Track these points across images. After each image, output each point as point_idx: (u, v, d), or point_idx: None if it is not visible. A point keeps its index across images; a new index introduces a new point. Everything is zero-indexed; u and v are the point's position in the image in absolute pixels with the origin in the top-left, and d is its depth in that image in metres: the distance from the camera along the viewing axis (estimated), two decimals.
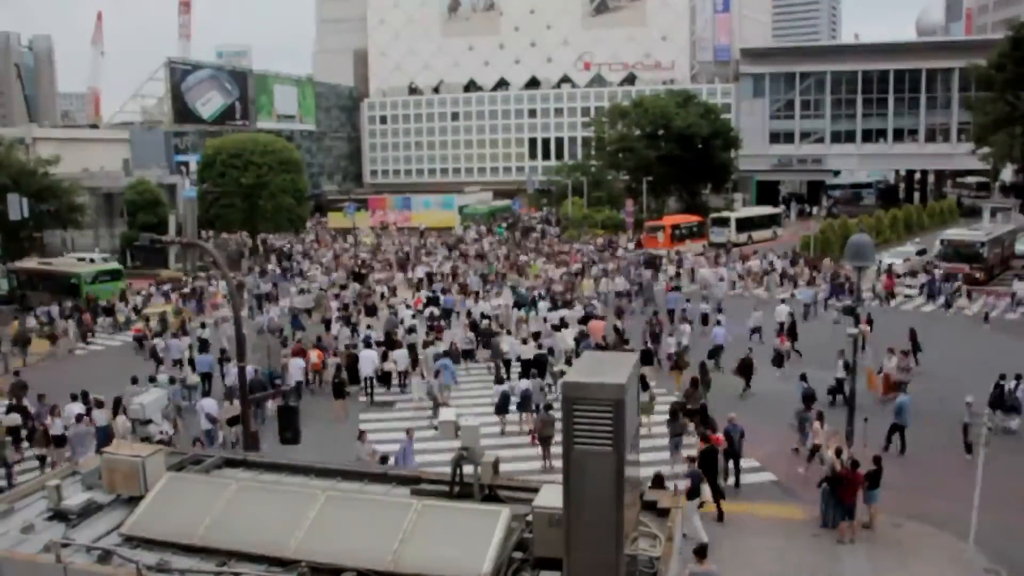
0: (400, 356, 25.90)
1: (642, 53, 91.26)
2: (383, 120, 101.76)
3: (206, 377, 25.11)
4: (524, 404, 21.28)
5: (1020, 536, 15.16)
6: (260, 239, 61.91)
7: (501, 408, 21.45)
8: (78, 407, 20.97)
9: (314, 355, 26.21)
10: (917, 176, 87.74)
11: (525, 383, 21.87)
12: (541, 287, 38.42)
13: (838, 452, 16.07)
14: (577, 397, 5.83)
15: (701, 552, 11.76)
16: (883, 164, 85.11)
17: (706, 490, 15.83)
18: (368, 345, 26.81)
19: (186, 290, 41.89)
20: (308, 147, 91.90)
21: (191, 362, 26.26)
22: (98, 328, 35.98)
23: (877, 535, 15.32)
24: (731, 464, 17.80)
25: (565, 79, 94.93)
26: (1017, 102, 48.56)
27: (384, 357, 25.93)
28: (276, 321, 32.54)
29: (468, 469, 7.77)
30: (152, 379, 23.47)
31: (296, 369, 24.90)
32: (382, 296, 38.61)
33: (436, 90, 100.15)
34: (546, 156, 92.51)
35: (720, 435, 17.50)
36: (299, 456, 11.54)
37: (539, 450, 19.46)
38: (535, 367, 23.54)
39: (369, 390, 24.86)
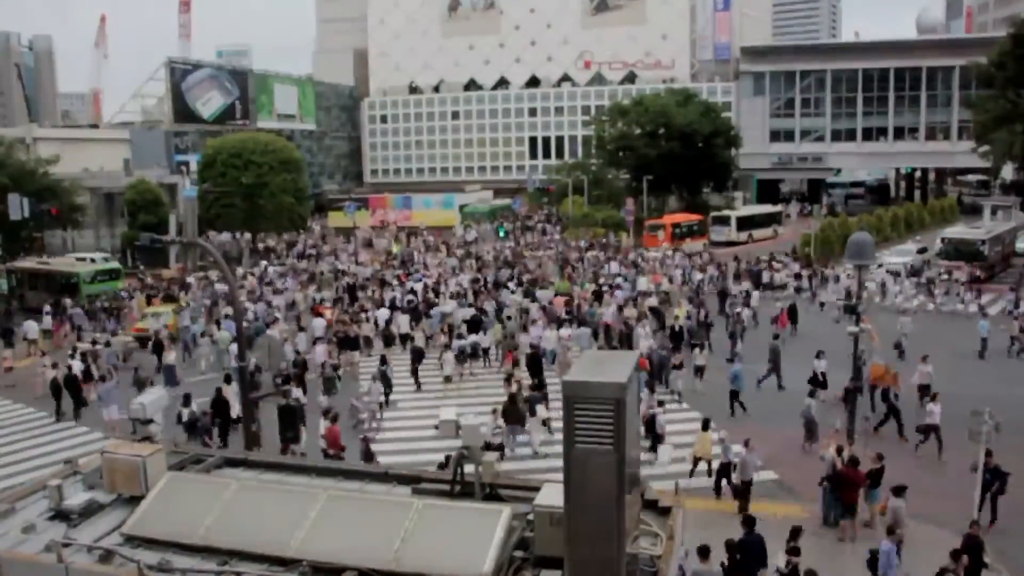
0: (403, 321, 31.16)
1: (642, 52, 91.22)
2: (383, 119, 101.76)
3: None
4: (475, 352, 27.96)
5: (1020, 536, 15.17)
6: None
7: (460, 358, 27.10)
8: (78, 363, 26.03)
9: (328, 312, 32.50)
10: (918, 174, 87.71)
11: (474, 337, 28.48)
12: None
13: (839, 450, 16.07)
14: (578, 396, 5.83)
15: (704, 552, 11.80)
16: (884, 162, 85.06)
17: None
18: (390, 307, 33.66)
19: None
20: (308, 147, 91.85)
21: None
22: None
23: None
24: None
25: (565, 78, 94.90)
26: (1018, 100, 48.46)
27: (389, 321, 31.37)
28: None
29: (469, 468, 7.77)
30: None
31: (319, 327, 30.29)
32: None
33: (436, 89, 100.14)
34: (546, 155, 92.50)
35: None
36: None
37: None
38: (473, 325, 29.80)
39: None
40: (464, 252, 52.96)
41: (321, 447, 18.55)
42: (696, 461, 18.08)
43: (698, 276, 41.26)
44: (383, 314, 32.21)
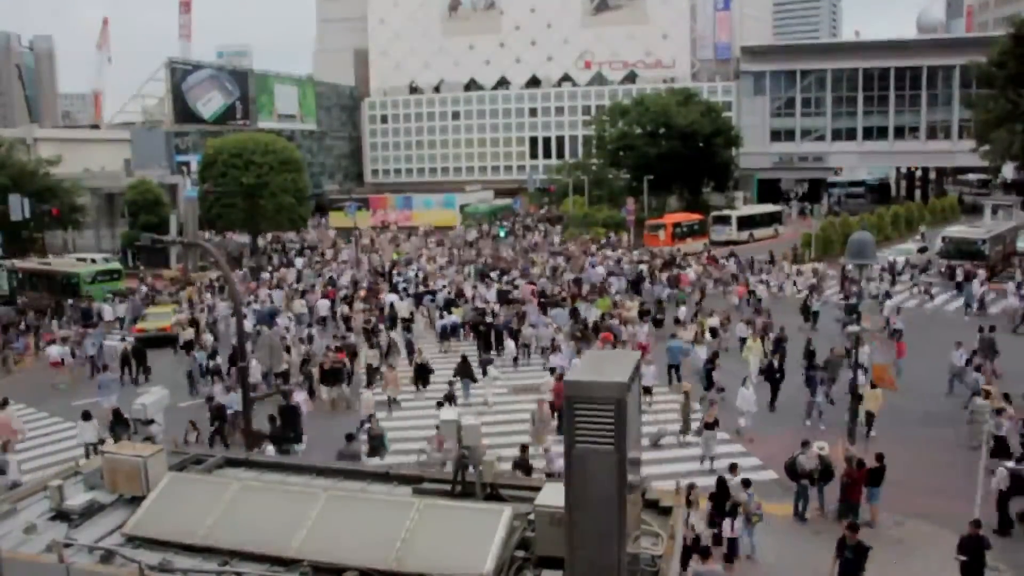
0: (403, 306, 33.72)
1: (643, 51, 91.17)
2: (384, 119, 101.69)
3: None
4: (455, 330, 31.46)
5: (1021, 535, 15.17)
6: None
7: (443, 336, 31.09)
8: (57, 349, 27.94)
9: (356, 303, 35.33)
10: (918, 173, 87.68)
11: (452, 318, 31.71)
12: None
13: (805, 443, 16.28)
14: (579, 396, 5.83)
15: (704, 551, 11.81)
16: (884, 161, 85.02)
17: None
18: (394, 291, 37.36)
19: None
20: (309, 147, 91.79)
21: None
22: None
23: (878, 533, 15.29)
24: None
25: (566, 78, 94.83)
26: (1018, 99, 48.40)
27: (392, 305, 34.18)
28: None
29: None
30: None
31: (323, 307, 34.05)
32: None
33: (437, 89, 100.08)
34: (547, 155, 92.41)
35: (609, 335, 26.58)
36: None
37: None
38: (449, 307, 33.13)
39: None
40: (465, 258, 52.67)
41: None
42: (869, 416, 19.44)
43: (796, 287, 36.80)
44: (391, 298, 35.34)
